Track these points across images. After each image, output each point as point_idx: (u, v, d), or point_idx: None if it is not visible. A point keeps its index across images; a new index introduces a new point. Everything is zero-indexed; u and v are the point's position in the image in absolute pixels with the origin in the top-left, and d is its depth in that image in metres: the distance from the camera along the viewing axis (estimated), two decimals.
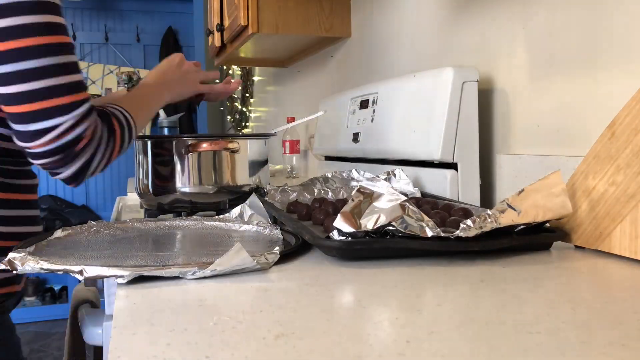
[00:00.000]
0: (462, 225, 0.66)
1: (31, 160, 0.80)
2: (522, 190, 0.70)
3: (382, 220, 0.66)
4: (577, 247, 0.74)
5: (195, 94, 1.15)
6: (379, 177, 1.10)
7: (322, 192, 1.11)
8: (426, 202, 0.91)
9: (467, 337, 0.43)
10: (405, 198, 0.67)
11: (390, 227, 0.66)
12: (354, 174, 1.22)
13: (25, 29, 0.73)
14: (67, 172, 0.79)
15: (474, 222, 0.66)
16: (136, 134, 0.91)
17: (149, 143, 1.14)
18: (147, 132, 4.37)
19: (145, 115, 0.97)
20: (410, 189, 1.06)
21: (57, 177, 0.81)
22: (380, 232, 0.67)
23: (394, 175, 1.09)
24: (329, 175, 1.21)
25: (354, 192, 0.70)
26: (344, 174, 1.22)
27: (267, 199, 1.10)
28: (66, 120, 0.75)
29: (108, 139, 0.82)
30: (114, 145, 0.84)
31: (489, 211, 0.68)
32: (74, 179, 0.81)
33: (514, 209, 0.69)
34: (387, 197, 0.68)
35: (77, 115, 0.76)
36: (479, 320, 0.47)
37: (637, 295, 0.54)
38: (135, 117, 0.90)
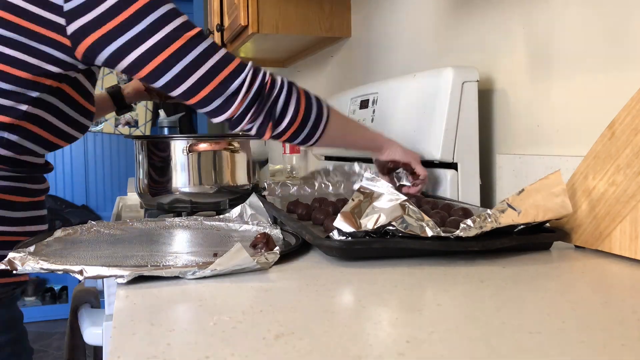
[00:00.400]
0: (462, 225, 0.66)
1: (233, 130, 0.88)
2: (522, 190, 0.70)
3: (383, 220, 0.66)
4: (577, 247, 0.74)
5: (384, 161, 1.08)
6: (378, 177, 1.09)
7: (323, 185, 1.11)
8: (426, 202, 0.91)
9: (467, 337, 0.43)
10: (405, 198, 0.67)
11: (391, 227, 0.66)
12: (356, 167, 1.21)
13: (169, 37, 0.82)
14: (261, 116, 0.86)
15: (474, 222, 0.66)
16: (327, 115, 0.92)
17: (149, 143, 1.14)
18: (147, 132, 4.37)
19: (342, 126, 0.97)
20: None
21: (255, 129, 0.88)
22: (381, 232, 0.67)
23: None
24: (330, 168, 1.21)
25: (354, 192, 0.70)
26: (345, 167, 1.22)
27: (267, 193, 1.10)
28: (242, 81, 0.84)
29: (290, 88, 0.89)
30: (297, 98, 0.89)
31: (489, 211, 0.68)
32: (266, 123, 0.87)
33: (514, 209, 0.69)
34: (387, 196, 0.68)
35: (247, 71, 0.85)
36: (479, 320, 0.47)
37: (637, 295, 0.54)
38: (332, 112, 0.94)
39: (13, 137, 0.87)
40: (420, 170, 1.02)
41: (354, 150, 1.07)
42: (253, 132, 0.88)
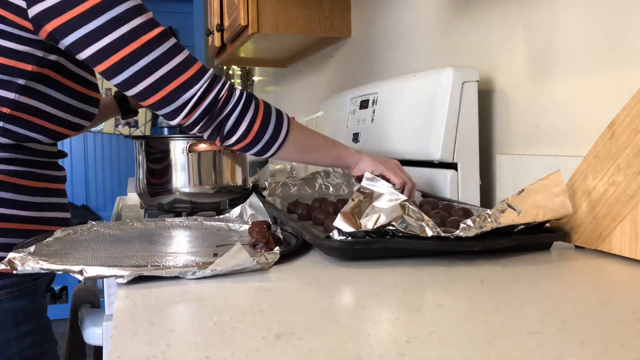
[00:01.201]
0: (462, 225, 0.66)
1: (190, 132, 0.88)
2: (522, 190, 0.70)
3: (383, 219, 0.66)
4: (577, 247, 0.74)
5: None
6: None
7: (324, 187, 1.11)
8: (426, 202, 0.91)
9: (467, 337, 0.43)
10: (405, 198, 0.67)
11: (391, 227, 0.66)
12: None
13: (132, 34, 0.81)
14: (210, 129, 0.86)
15: (474, 221, 0.66)
16: (288, 137, 0.91)
17: (149, 143, 1.14)
18: (148, 132, 4.37)
19: (307, 140, 0.95)
20: None
21: (206, 136, 0.88)
22: (381, 232, 0.67)
23: None
24: (331, 169, 1.21)
25: (354, 192, 0.70)
26: (345, 169, 1.22)
27: (267, 193, 1.10)
28: (197, 91, 0.83)
29: (247, 103, 0.87)
30: (254, 112, 0.88)
31: (489, 211, 0.68)
32: (214, 135, 0.87)
33: (514, 209, 0.69)
34: (387, 197, 0.68)
35: (205, 81, 0.84)
36: (479, 320, 0.47)
37: (637, 295, 0.54)
38: (294, 127, 0.92)
39: (13, 127, 0.88)
40: (394, 179, 0.96)
41: (322, 166, 1.06)
42: (205, 138, 0.89)
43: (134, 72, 0.81)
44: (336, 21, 1.87)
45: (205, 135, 0.88)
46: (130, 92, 0.83)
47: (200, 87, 0.84)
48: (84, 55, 0.82)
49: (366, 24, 1.76)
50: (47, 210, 0.97)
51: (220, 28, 2.19)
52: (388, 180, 0.97)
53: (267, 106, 0.90)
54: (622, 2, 0.84)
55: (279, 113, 0.91)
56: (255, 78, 3.63)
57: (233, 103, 0.86)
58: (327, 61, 2.12)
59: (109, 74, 0.82)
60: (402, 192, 0.96)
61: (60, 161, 1.03)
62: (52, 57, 0.89)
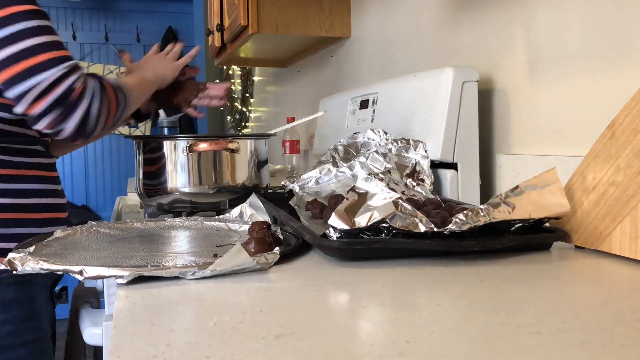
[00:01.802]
0: (454, 220, 0.66)
1: (35, 128, 0.82)
2: (517, 186, 0.70)
3: (376, 216, 0.66)
4: (577, 247, 0.74)
5: (179, 73, 1.21)
6: (396, 142, 1.07)
7: (338, 171, 1.07)
8: (428, 202, 0.91)
9: (467, 337, 0.43)
10: (398, 195, 0.68)
11: (384, 224, 0.66)
12: (369, 134, 1.15)
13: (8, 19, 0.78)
14: (69, 125, 0.80)
15: (466, 216, 0.66)
16: (131, 101, 0.95)
17: (149, 143, 1.14)
18: (148, 132, 4.37)
19: (138, 89, 1.01)
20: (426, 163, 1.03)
21: (62, 135, 0.82)
22: (375, 229, 0.67)
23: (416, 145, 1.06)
24: (339, 144, 1.18)
25: (348, 192, 0.70)
26: (358, 139, 1.17)
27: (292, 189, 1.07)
28: (51, 74, 0.77)
29: (102, 92, 0.84)
30: (109, 100, 0.86)
31: (482, 206, 0.68)
32: (79, 132, 0.82)
33: (508, 205, 0.69)
34: (381, 195, 0.68)
35: (62, 68, 0.78)
36: (479, 320, 0.47)
37: (637, 295, 0.54)
38: (125, 86, 0.94)
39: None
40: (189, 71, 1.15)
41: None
42: (61, 136, 0.83)
43: None
44: (336, 21, 1.87)
45: (66, 131, 0.81)
46: None
47: (54, 74, 0.77)
48: None
49: (366, 24, 1.76)
50: (37, 197, 0.97)
51: (220, 28, 2.19)
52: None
53: (113, 87, 0.89)
54: (622, 2, 0.84)
55: (117, 87, 0.91)
56: (255, 78, 3.63)
57: (91, 94, 0.81)
58: (327, 61, 2.12)
59: None
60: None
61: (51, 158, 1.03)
62: None
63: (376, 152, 1.06)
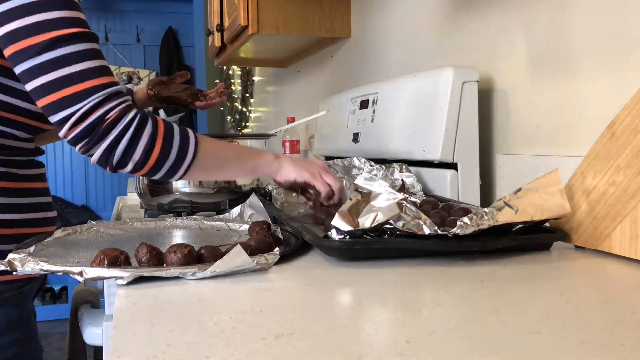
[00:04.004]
0: (459, 223, 0.66)
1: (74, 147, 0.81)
2: (520, 189, 0.70)
3: (380, 218, 0.66)
4: (577, 247, 0.74)
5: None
6: (381, 167, 1.10)
7: None
8: (426, 202, 0.91)
9: (467, 337, 0.43)
10: (403, 196, 0.67)
11: (388, 226, 0.66)
12: (355, 161, 1.21)
13: (42, 25, 0.76)
14: (97, 153, 0.79)
15: (470, 219, 0.66)
16: (202, 157, 0.84)
17: None
18: None
19: (222, 154, 0.90)
20: (411, 180, 1.08)
21: (93, 162, 0.81)
22: (379, 231, 0.67)
23: (397, 169, 1.10)
24: (330, 162, 1.21)
25: (351, 192, 0.70)
26: (345, 162, 1.22)
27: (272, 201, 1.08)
28: (85, 104, 0.76)
29: (141, 126, 0.79)
30: (151, 136, 0.80)
31: (486, 209, 0.68)
32: (107, 162, 0.80)
33: (511, 207, 0.69)
34: (385, 196, 0.68)
35: (97, 97, 0.77)
36: (479, 320, 0.47)
37: (637, 295, 0.54)
38: (200, 137, 0.85)
39: None
40: (319, 186, 0.91)
41: (243, 179, 1.02)
42: (93, 162, 0.81)
43: (34, 64, 0.76)
44: (336, 21, 1.87)
45: (94, 159, 0.80)
46: (28, 87, 0.78)
47: (89, 102, 0.76)
48: None
49: (366, 24, 1.76)
50: (32, 212, 0.94)
51: (220, 28, 2.19)
52: (313, 188, 0.93)
53: (169, 128, 0.82)
54: (622, 2, 0.84)
55: (184, 134, 0.84)
56: (255, 78, 3.63)
57: (123, 126, 0.78)
58: (327, 61, 2.12)
59: (12, 61, 0.78)
60: (332, 196, 0.93)
61: (39, 158, 1.01)
62: None
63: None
